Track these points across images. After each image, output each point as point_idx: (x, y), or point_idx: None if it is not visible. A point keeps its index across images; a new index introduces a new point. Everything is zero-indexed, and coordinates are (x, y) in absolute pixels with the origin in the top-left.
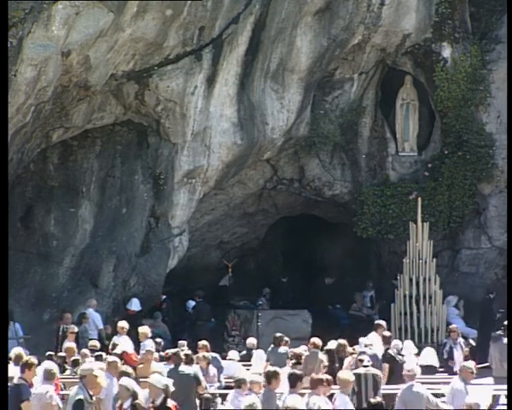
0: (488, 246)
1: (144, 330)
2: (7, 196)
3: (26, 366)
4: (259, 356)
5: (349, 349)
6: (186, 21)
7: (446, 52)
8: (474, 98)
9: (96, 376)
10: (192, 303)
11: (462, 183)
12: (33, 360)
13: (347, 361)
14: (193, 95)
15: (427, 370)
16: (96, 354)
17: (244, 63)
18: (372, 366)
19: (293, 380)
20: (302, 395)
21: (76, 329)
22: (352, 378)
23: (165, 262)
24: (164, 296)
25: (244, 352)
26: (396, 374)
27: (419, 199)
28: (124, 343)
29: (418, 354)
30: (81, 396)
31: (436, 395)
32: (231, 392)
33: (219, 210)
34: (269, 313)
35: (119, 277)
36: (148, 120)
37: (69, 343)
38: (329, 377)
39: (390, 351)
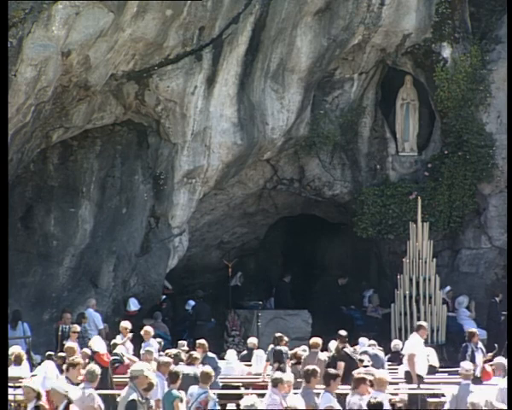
0: (488, 246)
1: (148, 329)
2: (7, 196)
3: (71, 365)
4: (259, 356)
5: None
6: (186, 21)
7: (446, 52)
8: (474, 98)
9: (147, 376)
10: (192, 303)
11: (462, 183)
12: (78, 359)
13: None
14: (193, 95)
15: (427, 370)
16: None
17: (244, 63)
18: (372, 366)
19: (328, 379)
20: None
21: (78, 328)
22: (389, 378)
23: (165, 262)
24: (164, 296)
25: (245, 352)
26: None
27: (419, 199)
28: (96, 343)
29: None
30: (134, 397)
31: (436, 396)
32: (268, 391)
33: (219, 210)
34: (269, 313)
35: (119, 277)
36: (148, 120)
37: (70, 343)
38: (372, 377)
39: (346, 349)
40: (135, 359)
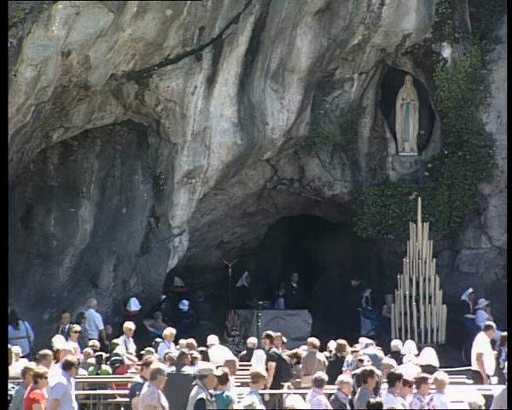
0: (488, 246)
1: (172, 331)
2: (7, 196)
3: (145, 365)
4: (259, 356)
5: (349, 349)
6: (186, 21)
7: (446, 52)
8: (474, 98)
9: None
10: (186, 303)
11: (462, 183)
12: (152, 358)
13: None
14: (193, 95)
15: (427, 370)
16: (97, 354)
17: (244, 63)
18: (372, 365)
19: (393, 380)
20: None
21: (79, 328)
22: (448, 380)
23: (165, 262)
24: (164, 296)
25: (244, 352)
26: (282, 373)
27: (419, 199)
28: (58, 341)
29: (418, 355)
30: (203, 396)
31: None
32: (310, 391)
33: (219, 210)
34: (269, 313)
35: (119, 277)
36: (148, 120)
37: (71, 343)
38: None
39: (274, 349)
40: (135, 359)
